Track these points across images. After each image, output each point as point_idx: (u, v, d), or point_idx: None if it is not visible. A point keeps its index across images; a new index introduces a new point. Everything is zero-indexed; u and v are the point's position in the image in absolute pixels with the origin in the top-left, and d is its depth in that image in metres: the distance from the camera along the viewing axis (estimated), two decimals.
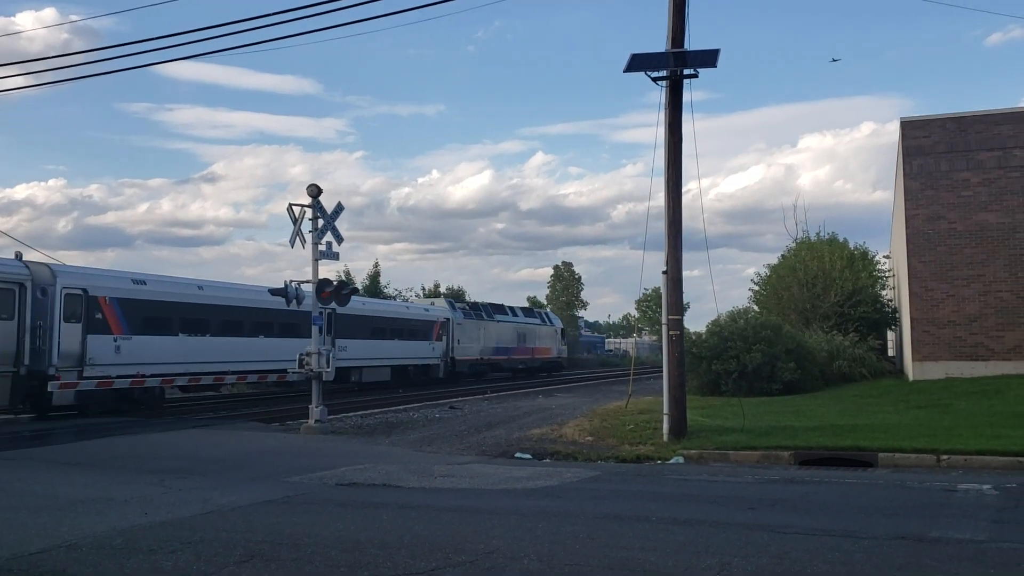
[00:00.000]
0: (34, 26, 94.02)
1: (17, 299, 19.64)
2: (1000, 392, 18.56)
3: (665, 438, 13.98)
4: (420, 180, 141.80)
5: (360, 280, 57.28)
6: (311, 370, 17.58)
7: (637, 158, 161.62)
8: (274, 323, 27.15)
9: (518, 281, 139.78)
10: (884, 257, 38.82)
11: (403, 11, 15.52)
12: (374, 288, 55.64)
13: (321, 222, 17.66)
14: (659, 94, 14.44)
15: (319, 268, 17.95)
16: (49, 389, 19.92)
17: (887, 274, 36.20)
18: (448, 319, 39.85)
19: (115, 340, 21.62)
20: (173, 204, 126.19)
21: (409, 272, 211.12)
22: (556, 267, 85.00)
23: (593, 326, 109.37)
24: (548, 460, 13.14)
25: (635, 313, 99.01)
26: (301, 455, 13.48)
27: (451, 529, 7.57)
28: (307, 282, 18.43)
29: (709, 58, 14.30)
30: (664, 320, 14.47)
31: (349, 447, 14.78)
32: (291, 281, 20.01)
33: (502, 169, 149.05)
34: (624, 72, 14.35)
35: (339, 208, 18.06)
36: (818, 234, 36.42)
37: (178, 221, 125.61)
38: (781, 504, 8.96)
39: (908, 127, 23.35)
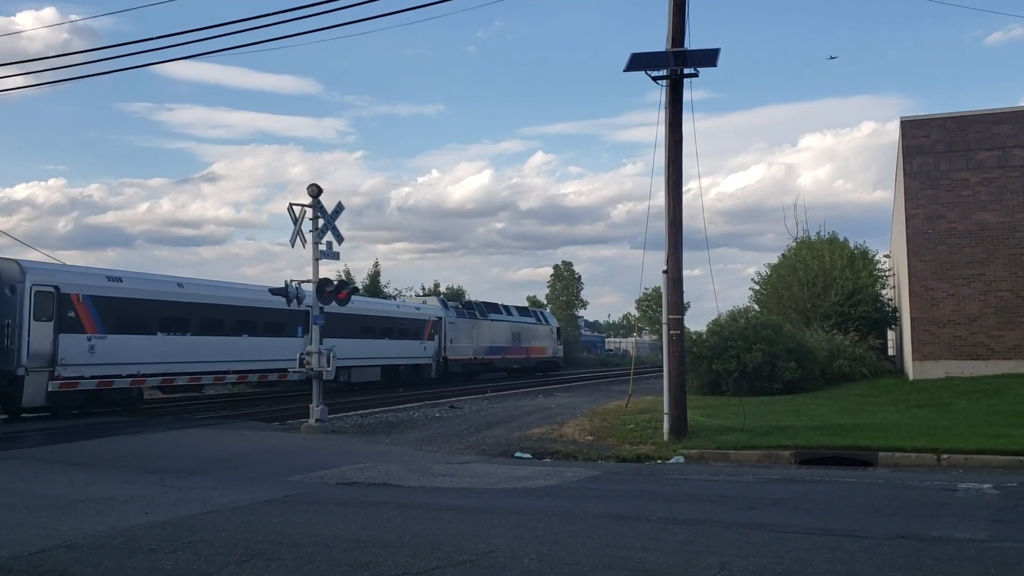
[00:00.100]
0: (34, 26, 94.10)
1: None
2: (1000, 391, 18.56)
3: (665, 438, 13.98)
4: (420, 180, 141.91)
5: (360, 280, 57.28)
6: (311, 369, 17.60)
7: (637, 157, 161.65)
8: (258, 322, 26.67)
9: (518, 281, 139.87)
10: (884, 256, 38.82)
11: (403, 11, 15.55)
12: (374, 288, 55.59)
13: (321, 222, 17.68)
14: (659, 93, 14.46)
15: (319, 268, 17.97)
16: (49, 389, 19.82)
17: (887, 273, 36.20)
18: (440, 318, 39.25)
19: (89, 339, 20.96)
20: (173, 204, 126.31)
21: (409, 272, 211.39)
22: (556, 267, 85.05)
23: (593, 325, 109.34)
24: (548, 459, 13.14)
25: (635, 312, 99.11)
26: (301, 454, 13.49)
27: (451, 528, 7.57)
28: (307, 282, 18.45)
29: (709, 57, 14.30)
30: (664, 319, 14.47)
31: (349, 446, 14.78)
32: (291, 281, 20.05)
33: (502, 169, 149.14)
34: (624, 71, 14.36)
35: (339, 208, 18.07)
36: (818, 233, 36.44)
37: (178, 221, 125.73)
38: (781, 503, 8.96)
39: (908, 126, 23.34)
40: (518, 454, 13.57)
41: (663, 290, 14.56)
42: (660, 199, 14.55)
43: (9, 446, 14.40)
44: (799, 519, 7.97)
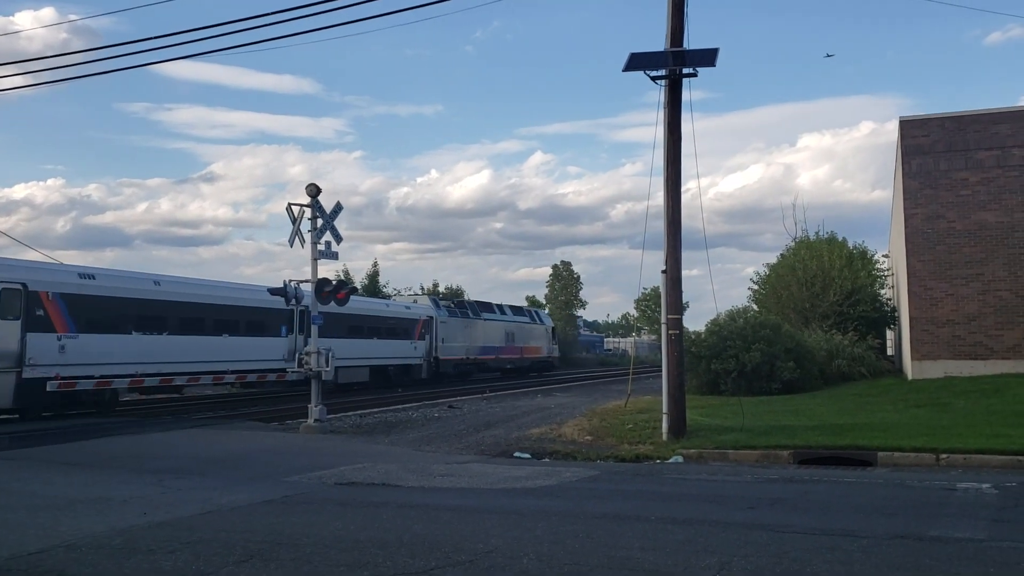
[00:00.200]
0: (33, 25, 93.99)
1: None
2: (999, 391, 18.57)
3: (664, 437, 13.98)
4: (419, 180, 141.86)
5: (359, 280, 57.26)
6: (310, 369, 17.59)
7: (636, 157, 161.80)
8: (240, 321, 25.96)
9: (516, 281, 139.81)
10: (883, 256, 38.84)
11: (402, 11, 15.54)
12: (373, 288, 55.56)
13: (320, 222, 17.67)
14: (658, 93, 14.47)
15: (318, 267, 17.96)
16: (48, 388, 19.73)
17: (886, 273, 36.22)
18: (431, 317, 38.46)
19: (59, 339, 20.14)
20: (172, 204, 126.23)
21: (408, 272, 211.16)
22: (555, 266, 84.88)
23: (592, 325, 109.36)
24: (547, 459, 13.14)
25: (634, 312, 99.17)
26: (300, 454, 13.48)
27: (450, 528, 7.56)
28: (306, 281, 18.46)
29: (708, 57, 14.30)
30: (663, 319, 14.47)
31: (348, 446, 14.77)
32: (290, 281, 20.08)
33: (500, 169, 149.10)
34: (623, 71, 14.36)
35: (338, 208, 18.07)
36: (817, 233, 36.40)
37: (177, 221, 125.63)
38: (780, 503, 8.96)
39: (907, 126, 23.35)
40: (517, 454, 13.57)
41: (662, 290, 14.56)
42: (659, 199, 14.56)
43: (7, 446, 14.38)
44: (798, 519, 7.97)
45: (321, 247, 17.74)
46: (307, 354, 17.71)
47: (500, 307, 47.50)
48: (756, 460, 12.49)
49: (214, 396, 29.64)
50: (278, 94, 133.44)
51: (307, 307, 25.84)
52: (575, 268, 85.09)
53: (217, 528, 7.59)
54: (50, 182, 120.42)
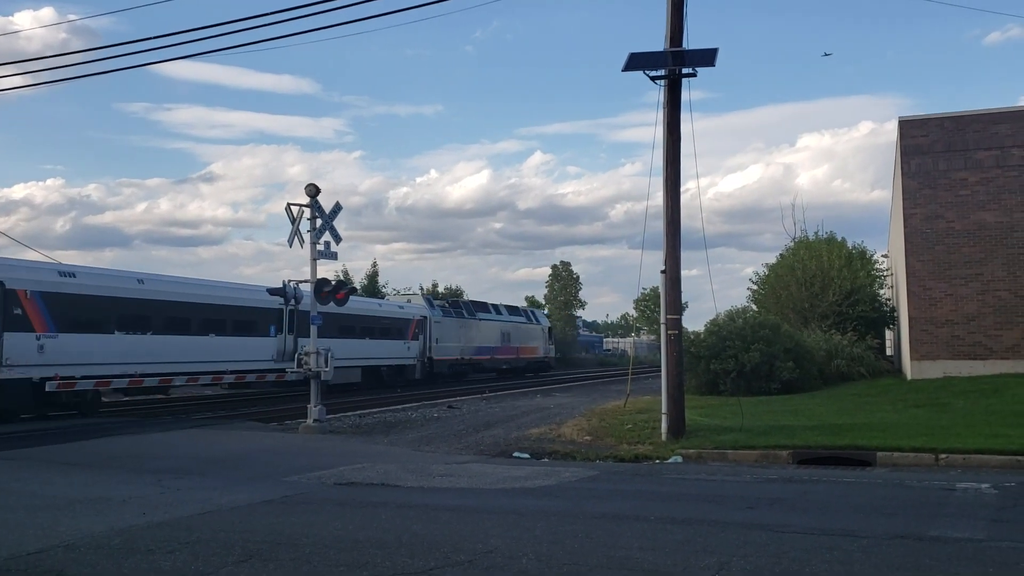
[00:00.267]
0: (32, 25, 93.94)
1: None
2: (998, 391, 18.58)
3: (663, 437, 13.98)
4: (418, 180, 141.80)
5: (358, 280, 57.26)
6: (309, 370, 17.59)
7: (635, 157, 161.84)
8: (227, 320, 25.38)
9: (516, 281, 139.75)
10: (882, 256, 38.86)
11: (401, 10, 15.53)
12: (372, 288, 55.56)
13: (319, 222, 17.67)
14: (657, 93, 14.47)
15: (317, 268, 17.96)
16: (48, 389, 19.69)
17: (885, 273, 36.22)
18: (425, 317, 37.87)
19: (38, 338, 19.59)
20: (171, 204, 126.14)
21: (407, 272, 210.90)
22: (554, 267, 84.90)
23: (591, 325, 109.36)
24: (546, 459, 13.14)
25: (633, 312, 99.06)
26: (299, 455, 13.47)
27: (449, 528, 7.56)
28: (305, 281, 18.47)
29: (708, 57, 14.30)
30: (663, 319, 14.47)
31: (347, 446, 14.77)
32: (289, 281, 20.09)
33: (500, 169, 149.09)
34: (623, 71, 14.36)
35: (337, 208, 18.06)
36: (816, 233, 36.41)
37: (176, 221, 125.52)
38: (780, 503, 8.96)
39: (906, 126, 23.36)
40: (516, 454, 13.57)
41: (661, 290, 14.57)
42: (658, 199, 14.57)
43: (6, 446, 14.37)
44: (797, 519, 7.97)
45: (320, 247, 17.74)
46: (306, 354, 17.71)
47: (496, 307, 47.10)
48: (755, 460, 12.49)
49: (202, 397, 29.13)
50: (277, 94, 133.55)
51: (296, 306, 25.57)
52: (574, 268, 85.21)
53: (216, 528, 7.59)
54: (49, 182, 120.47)
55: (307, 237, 17.64)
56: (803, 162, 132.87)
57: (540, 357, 50.68)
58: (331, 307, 19.72)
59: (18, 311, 19.39)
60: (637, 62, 14.31)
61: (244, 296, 26.39)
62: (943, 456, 11.61)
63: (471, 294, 62.31)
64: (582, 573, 6.03)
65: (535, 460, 13.11)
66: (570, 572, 6.04)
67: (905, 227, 23.01)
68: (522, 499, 9.36)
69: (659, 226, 14.51)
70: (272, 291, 20.92)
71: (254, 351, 26.16)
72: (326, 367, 17.54)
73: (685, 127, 14.31)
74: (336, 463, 12.09)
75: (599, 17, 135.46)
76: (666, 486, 10.49)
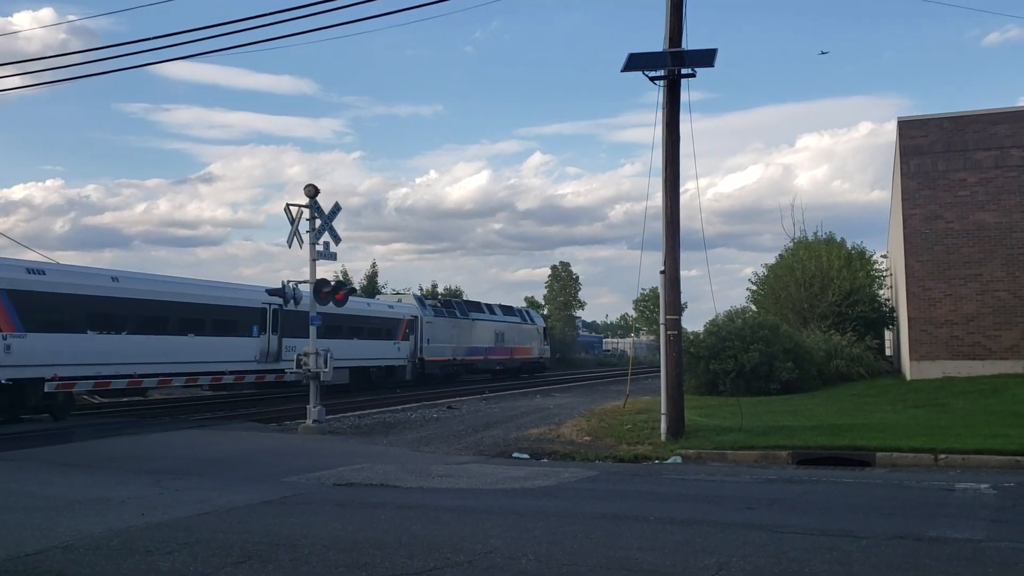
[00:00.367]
0: (31, 26, 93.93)
1: None
2: (997, 391, 18.59)
3: (663, 438, 13.98)
4: (418, 180, 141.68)
5: (358, 280, 57.27)
6: (308, 371, 17.58)
7: (635, 158, 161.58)
8: (207, 320, 24.75)
9: (516, 281, 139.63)
10: (882, 257, 38.85)
11: (400, 11, 15.52)
12: (372, 288, 55.55)
13: (318, 222, 17.66)
14: (657, 94, 14.48)
15: (316, 268, 17.96)
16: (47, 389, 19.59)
17: (885, 274, 36.23)
18: (416, 317, 37.18)
19: (4, 338, 18.85)
20: (170, 204, 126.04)
21: (407, 272, 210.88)
22: (554, 267, 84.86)
23: (591, 326, 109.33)
24: (546, 460, 13.14)
25: (633, 313, 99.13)
26: (299, 455, 13.46)
27: (449, 529, 7.56)
28: (304, 282, 18.46)
29: (707, 57, 14.30)
30: (662, 320, 14.47)
31: (347, 447, 14.77)
32: (288, 281, 20.05)
33: (500, 169, 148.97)
34: (622, 72, 14.36)
35: (336, 208, 18.06)
36: (816, 234, 36.39)
37: (175, 221, 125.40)
38: (779, 504, 8.96)
39: (905, 127, 23.36)
40: (516, 454, 13.56)
41: (661, 290, 14.57)
42: (657, 199, 14.57)
43: (4, 447, 14.36)
44: (797, 519, 7.97)
45: (319, 248, 17.74)
46: (305, 355, 17.71)
47: (489, 307, 46.58)
48: (755, 460, 12.49)
49: (182, 399, 28.44)
50: (276, 94, 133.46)
51: (280, 305, 24.92)
52: (574, 269, 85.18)
53: (215, 529, 7.59)
54: (48, 183, 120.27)
55: (306, 238, 17.64)
56: (802, 162, 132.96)
57: (535, 358, 50.26)
58: (320, 307, 19.39)
59: None
60: (636, 63, 14.31)
61: (225, 295, 25.83)
62: (942, 456, 11.61)
63: (471, 295, 62.31)
64: (582, 573, 6.03)
65: (535, 460, 13.10)
66: (570, 572, 6.03)
67: (904, 227, 23.02)
68: (522, 499, 9.35)
69: (658, 226, 14.52)
70: (271, 291, 20.91)
71: (235, 352, 25.52)
72: (325, 368, 17.54)
73: (684, 127, 14.31)
74: (335, 464, 12.08)
75: (598, 17, 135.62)
76: (665, 486, 10.49)
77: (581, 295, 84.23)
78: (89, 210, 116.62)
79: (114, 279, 22.51)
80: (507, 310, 49.37)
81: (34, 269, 20.49)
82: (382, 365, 34.65)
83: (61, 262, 23.08)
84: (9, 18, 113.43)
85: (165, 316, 23.47)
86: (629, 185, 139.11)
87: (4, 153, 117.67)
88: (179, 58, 24.41)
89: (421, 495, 9.70)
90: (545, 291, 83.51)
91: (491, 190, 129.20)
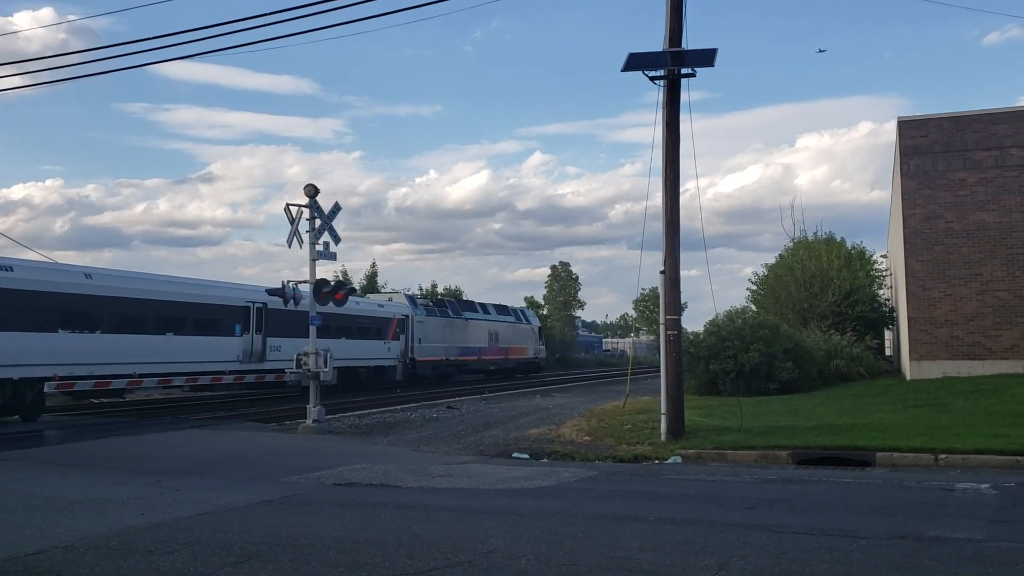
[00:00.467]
0: (31, 26, 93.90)
1: None
2: (997, 391, 18.58)
3: (663, 438, 13.98)
4: (417, 180, 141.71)
5: (357, 280, 57.33)
6: (308, 371, 17.59)
7: (635, 158, 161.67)
8: (187, 319, 24.17)
9: (515, 281, 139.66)
10: (881, 256, 38.86)
11: (400, 11, 15.52)
12: (371, 288, 55.56)
13: (318, 222, 17.67)
14: (657, 94, 14.48)
15: (316, 268, 17.96)
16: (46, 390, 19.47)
17: (884, 273, 36.23)
18: (407, 316, 36.54)
19: None
20: (170, 204, 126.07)
21: (406, 272, 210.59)
22: (553, 267, 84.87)
23: (591, 326, 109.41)
24: (546, 460, 13.13)
25: (633, 313, 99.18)
26: (299, 455, 13.46)
27: (449, 529, 7.56)
28: (304, 282, 18.47)
29: (707, 57, 14.29)
30: (662, 320, 14.47)
31: (347, 447, 14.77)
32: (288, 281, 20.06)
33: (499, 169, 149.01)
34: (622, 71, 14.36)
35: (336, 208, 18.07)
36: (816, 234, 36.39)
37: (175, 221, 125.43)
38: (779, 504, 8.95)
39: (905, 127, 23.36)
40: (516, 454, 13.56)
41: (660, 290, 14.56)
42: (657, 199, 14.57)
43: (4, 447, 14.36)
44: (797, 519, 7.96)
45: (319, 248, 17.74)
46: (305, 355, 17.72)
47: (483, 306, 46.02)
48: (755, 460, 12.49)
49: (162, 400, 27.91)
50: (276, 94, 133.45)
51: (265, 304, 24.91)
52: (574, 269, 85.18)
53: (215, 529, 7.58)
54: (48, 182, 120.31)
55: (306, 238, 17.64)
56: (802, 162, 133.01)
57: (530, 358, 49.71)
58: (305, 306, 19.00)
59: None
60: (636, 62, 14.31)
61: (206, 293, 25.33)
62: (942, 456, 11.61)
63: (470, 295, 62.30)
64: (582, 573, 6.02)
65: (534, 460, 13.10)
66: (570, 572, 6.03)
67: (904, 227, 23.01)
68: (522, 499, 9.35)
69: (658, 226, 14.52)
70: (271, 291, 20.92)
71: (216, 351, 24.98)
72: (325, 367, 17.55)
73: (684, 127, 14.31)
74: (335, 463, 12.08)
75: (598, 17, 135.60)
76: (665, 486, 10.49)
77: (581, 295, 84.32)
78: (89, 210, 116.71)
79: (87, 276, 21.89)
80: (501, 309, 48.69)
81: (1, 265, 19.74)
82: (371, 365, 33.89)
83: (61, 262, 22.98)
84: (9, 18, 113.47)
85: (142, 315, 22.83)
86: (629, 185, 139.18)
87: (4, 153, 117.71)
88: (179, 58, 24.42)
89: (421, 495, 9.69)
90: (545, 291, 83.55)
91: (491, 190, 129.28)
